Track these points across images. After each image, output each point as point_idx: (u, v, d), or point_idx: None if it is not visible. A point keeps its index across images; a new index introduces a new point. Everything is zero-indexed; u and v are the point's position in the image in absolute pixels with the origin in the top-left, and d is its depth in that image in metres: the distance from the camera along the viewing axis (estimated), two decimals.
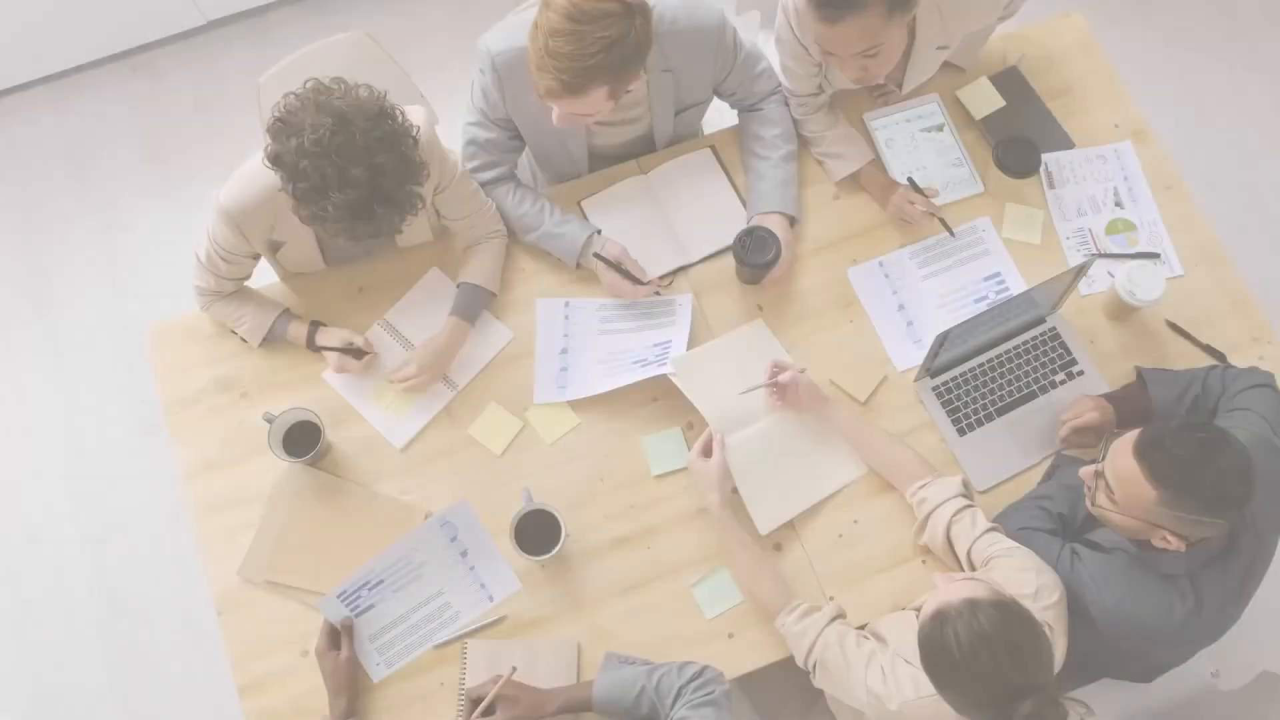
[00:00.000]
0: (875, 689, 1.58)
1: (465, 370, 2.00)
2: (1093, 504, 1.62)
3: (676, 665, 1.65)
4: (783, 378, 1.89)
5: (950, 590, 1.46)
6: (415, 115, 1.79)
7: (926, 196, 2.04)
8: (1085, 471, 1.62)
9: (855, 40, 1.70)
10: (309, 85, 1.63)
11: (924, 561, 1.87)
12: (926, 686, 1.52)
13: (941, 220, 2.05)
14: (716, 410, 1.89)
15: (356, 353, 1.95)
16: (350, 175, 1.56)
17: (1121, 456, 1.54)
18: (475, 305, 2.00)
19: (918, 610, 1.55)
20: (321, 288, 2.04)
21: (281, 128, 1.60)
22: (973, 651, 1.37)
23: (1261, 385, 1.79)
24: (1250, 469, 1.49)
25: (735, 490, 1.87)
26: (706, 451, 1.84)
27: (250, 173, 1.76)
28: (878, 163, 2.12)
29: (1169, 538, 1.54)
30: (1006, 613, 1.41)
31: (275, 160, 1.60)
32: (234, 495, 1.92)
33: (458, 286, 2.01)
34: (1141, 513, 1.53)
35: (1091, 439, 1.87)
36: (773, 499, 1.88)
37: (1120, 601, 1.61)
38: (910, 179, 2.06)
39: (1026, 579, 1.60)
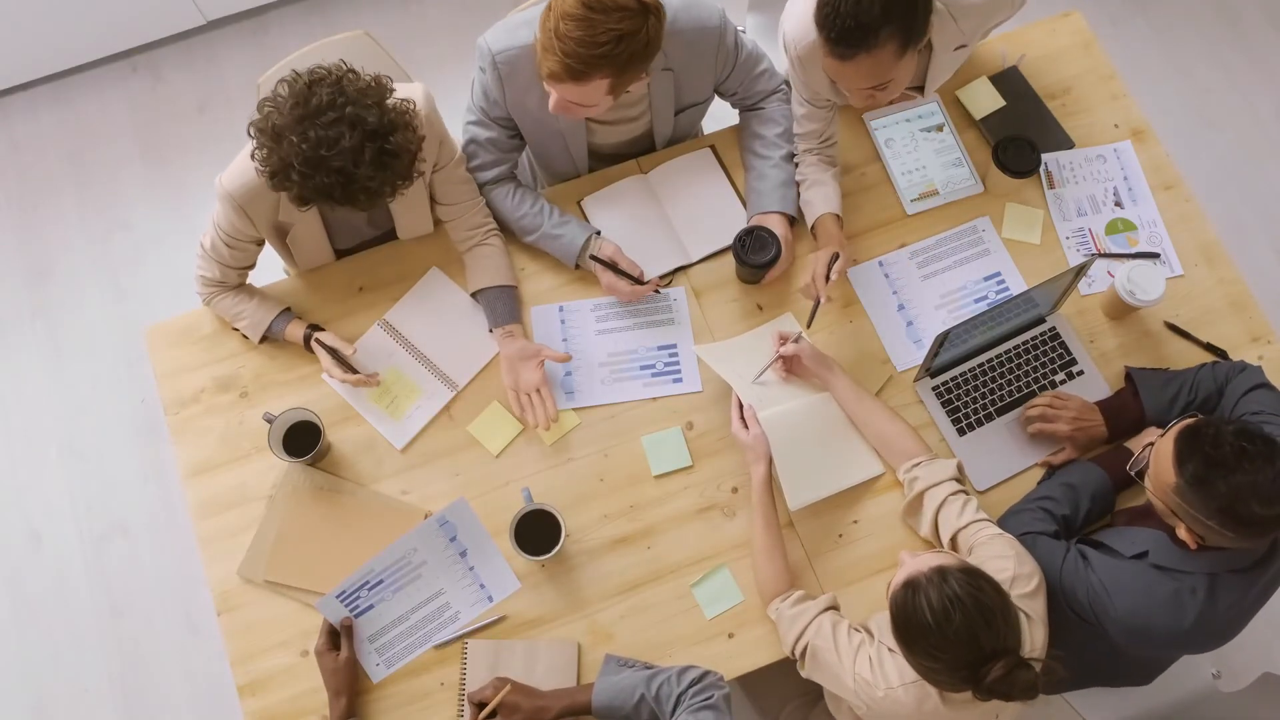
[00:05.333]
0: (863, 676, 1.60)
1: (465, 370, 2.00)
2: (1132, 468, 1.63)
3: (676, 670, 1.65)
4: (784, 350, 1.90)
5: (918, 561, 1.49)
6: (414, 91, 1.81)
7: (827, 281, 1.90)
8: (1151, 431, 1.60)
9: (866, 76, 1.72)
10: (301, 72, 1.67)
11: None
12: (910, 673, 1.54)
13: (813, 310, 1.93)
14: (747, 388, 1.90)
15: (345, 365, 1.92)
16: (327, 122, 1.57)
17: (1172, 432, 1.54)
18: (509, 306, 1.99)
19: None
20: (322, 287, 2.04)
21: (263, 101, 1.64)
22: (945, 614, 1.40)
23: (1262, 385, 1.79)
24: None
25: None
26: (743, 423, 1.85)
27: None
28: (833, 217, 2.01)
29: (1185, 533, 1.54)
30: (975, 578, 1.44)
31: (258, 133, 1.62)
32: (234, 495, 1.92)
33: (473, 296, 2.00)
34: (1162, 494, 1.54)
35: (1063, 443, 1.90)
36: (805, 478, 1.87)
37: (1134, 610, 1.60)
38: (830, 261, 1.92)
39: (1003, 565, 1.61)
